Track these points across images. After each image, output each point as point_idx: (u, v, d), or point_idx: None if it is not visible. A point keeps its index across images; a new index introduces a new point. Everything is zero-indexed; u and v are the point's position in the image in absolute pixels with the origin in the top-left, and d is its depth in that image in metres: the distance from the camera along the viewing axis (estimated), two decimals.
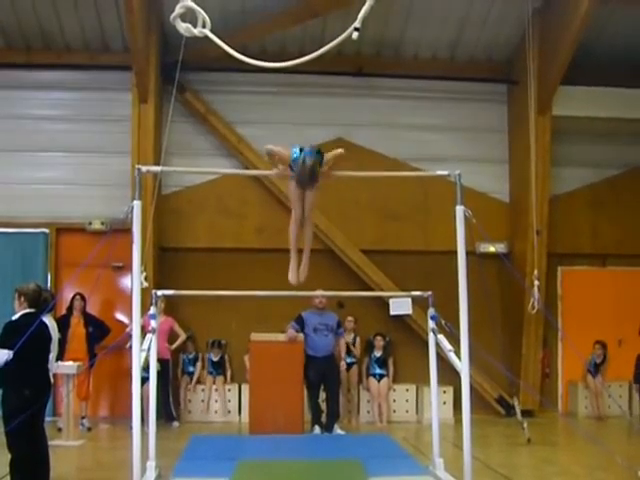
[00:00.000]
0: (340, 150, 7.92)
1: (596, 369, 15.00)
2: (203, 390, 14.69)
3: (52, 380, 8.25)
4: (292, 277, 8.19)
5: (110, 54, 15.06)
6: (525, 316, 14.80)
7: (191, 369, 14.77)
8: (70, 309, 13.77)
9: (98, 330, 13.72)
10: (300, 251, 8.16)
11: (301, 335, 13.19)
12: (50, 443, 8.39)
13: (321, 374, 13.26)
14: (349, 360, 14.66)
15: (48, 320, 8.82)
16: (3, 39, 14.84)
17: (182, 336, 14.43)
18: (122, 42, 14.87)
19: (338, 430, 13.19)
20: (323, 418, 13.34)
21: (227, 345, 15.09)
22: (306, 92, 15.49)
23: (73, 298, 13.76)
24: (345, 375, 14.59)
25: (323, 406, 13.47)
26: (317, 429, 13.16)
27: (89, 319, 13.78)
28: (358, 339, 14.86)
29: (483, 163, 15.60)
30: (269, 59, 5.83)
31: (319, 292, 12.51)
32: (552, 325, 15.18)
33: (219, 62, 13.19)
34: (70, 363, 12.28)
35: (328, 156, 7.71)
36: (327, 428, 13.20)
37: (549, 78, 14.62)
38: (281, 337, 13.47)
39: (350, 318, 14.86)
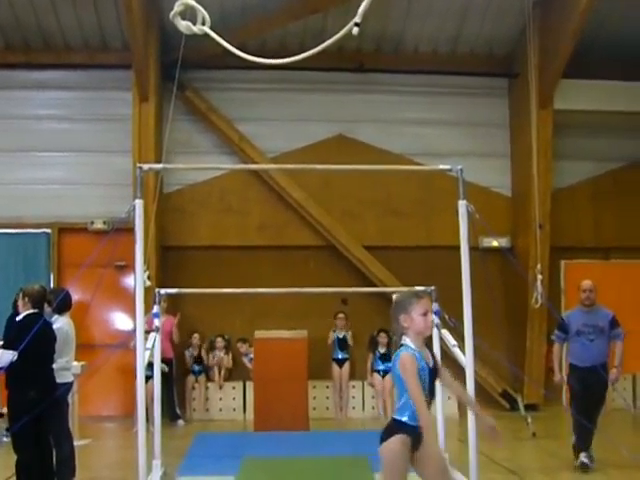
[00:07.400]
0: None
1: None
2: (207, 388, 14.68)
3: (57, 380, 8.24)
4: None
5: (110, 53, 15.03)
6: (529, 310, 14.79)
7: (196, 368, 14.74)
8: None
9: None
10: None
11: None
12: None
13: (584, 385, 9.97)
14: (341, 356, 14.71)
15: (67, 320, 8.84)
16: (2, 39, 14.82)
17: (176, 339, 14.30)
18: (122, 41, 14.85)
19: (582, 458, 9.61)
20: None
21: (230, 342, 15.07)
22: (307, 89, 15.47)
23: None
24: (338, 371, 14.63)
25: None
26: (583, 458, 9.58)
27: None
28: (350, 334, 14.77)
29: (485, 158, 15.57)
30: (269, 56, 5.80)
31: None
32: (556, 319, 15.13)
33: (219, 60, 13.19)
34: (75, 363, 12.22)
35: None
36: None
37: (550, 72, 14.58)
38: (285, 334, 13.48)
39: (341, 315, 14.80)
